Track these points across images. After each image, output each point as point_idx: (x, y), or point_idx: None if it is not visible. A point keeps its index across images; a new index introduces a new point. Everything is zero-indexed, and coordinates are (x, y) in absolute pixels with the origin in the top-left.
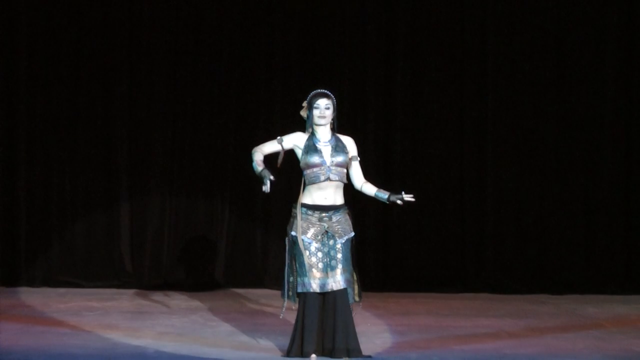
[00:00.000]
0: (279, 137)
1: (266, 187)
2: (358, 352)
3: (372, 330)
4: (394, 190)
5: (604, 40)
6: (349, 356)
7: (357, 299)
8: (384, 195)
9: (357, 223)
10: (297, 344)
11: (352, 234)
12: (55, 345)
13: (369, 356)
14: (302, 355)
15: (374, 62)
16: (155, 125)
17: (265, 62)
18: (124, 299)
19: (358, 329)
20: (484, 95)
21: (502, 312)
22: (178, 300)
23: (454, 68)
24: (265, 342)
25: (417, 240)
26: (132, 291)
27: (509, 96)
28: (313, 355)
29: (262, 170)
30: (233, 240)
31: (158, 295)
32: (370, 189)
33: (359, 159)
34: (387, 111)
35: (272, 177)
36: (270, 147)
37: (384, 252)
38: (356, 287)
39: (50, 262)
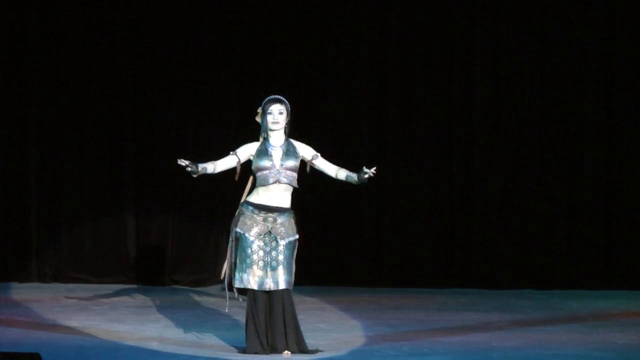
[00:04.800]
0: (232, 151)
1: (190, 167)
2: (307, 349)
3: (366, 324)
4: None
5: (586, 52)
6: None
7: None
8: (353, 176)
9: (350, 222)
10: (254, 341)
11: (296, 236)
12: (65, 337)
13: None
14: (263, 351)
15: (367, 68)
16: (160, 128)
17: (264, 68)
18: (130, 294)
19: (350, 323)
20: (472, 99)
21: (489, 307)
22: (181, 295)
23: (443, 74)
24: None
25: (408, 238)
26: (137, 287)
27: (496, 100)
28: (287, 352)
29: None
30: None
31: (162, 291)
32: (342, 175)
33: (319, 154)
34: (380, 110)
35: (197, 168)
36: (226, 162)
37: (376, 249)
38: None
39: (60, 259)
